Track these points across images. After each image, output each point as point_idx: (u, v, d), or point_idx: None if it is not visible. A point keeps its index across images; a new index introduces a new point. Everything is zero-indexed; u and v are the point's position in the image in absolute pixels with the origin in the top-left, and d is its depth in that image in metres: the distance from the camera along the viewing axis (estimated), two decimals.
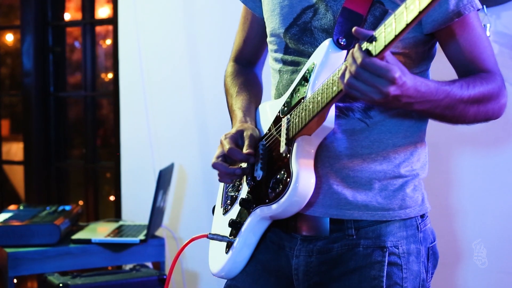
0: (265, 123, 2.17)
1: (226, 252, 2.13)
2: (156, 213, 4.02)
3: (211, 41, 4.47)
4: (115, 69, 4.94)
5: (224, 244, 2.14)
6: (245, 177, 2.16)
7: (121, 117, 4.91)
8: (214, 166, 2.06)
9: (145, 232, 3.99)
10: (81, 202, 5.45)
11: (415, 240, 2.05)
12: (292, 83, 2.08)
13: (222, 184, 2.35)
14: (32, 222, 3.88)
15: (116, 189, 5.00)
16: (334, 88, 1.79)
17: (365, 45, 1.68)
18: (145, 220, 4.12)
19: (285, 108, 2.06)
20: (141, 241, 3.91)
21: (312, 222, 2.05)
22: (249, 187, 2.12)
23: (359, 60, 1.67)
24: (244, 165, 2.10)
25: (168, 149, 4.66)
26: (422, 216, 2.09)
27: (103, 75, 5.61)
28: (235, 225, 2.10)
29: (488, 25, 3.36)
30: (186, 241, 2.15)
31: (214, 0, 4.42)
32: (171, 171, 4.33)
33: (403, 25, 1.57)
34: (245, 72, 2.42)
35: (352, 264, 2.02)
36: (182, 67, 4.61)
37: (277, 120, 2.09)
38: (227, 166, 2.05)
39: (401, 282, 2.01)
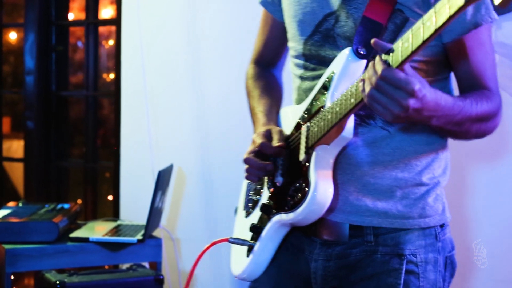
0: (287, 128, 2.18)
1: (247, 256, 2.16)
2: (154, 214, 4.03)
3: (214, 43, 4.48)
4: (117, 69, 4.95)
5: (246, 247, 2.17)
6: (266, 182, 2.18)
7: (121, 118, 4.92)
8: (246, 160, 2.08)
9: (142, 232, 4.00)
10: (79, 201, 5.46)
11: (433, 249, 2.05)
12: (312, 90, 2.08)
13: (244, 186, 2.38)
14: (31, 219, 3.89)
15: (115, 189, 5.01)
16: (352, 100, 1.79)
17: (384, 57, 1.68)
18: (143, 220, 4.13)
19: (306, 115, 2.07)
20: (139, 241, 3.92)
21: (332, 227, 2.06)
22: (270, 193, 2.14)
23: (379, 72, 1.66)
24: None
25: (168, 150, 4.67)
26: (442, 226, 2.09)
27: (105, 75, 5.62)
28: (256, 230, 2.13)
29: None
30: (207, 245, 2.15)
31: (217, 2, 4.44)
32: (170, 172, 4.34)
33: (419, 42, 1.58)
34: (266, 75, 2.44)
35: (370, 271, 2.03)
36: (184, 69, 4.62)
37: (297, 127, 2.10)
38: (259, 160, 2.07)
39: None
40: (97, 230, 4.13)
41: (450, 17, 1.49)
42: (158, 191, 4.00)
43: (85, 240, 3.92)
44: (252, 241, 2.14)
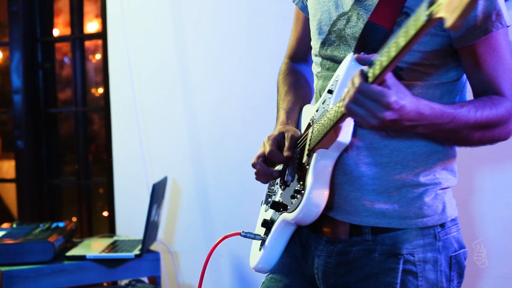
0: (304, 126, 2.22)
1: (259, 249, 2.25)
2: (151, 228, 4.00)
3: (202, 53, 4.45)
4: (106, 83, 4.92)
5: (259, 241, 2.26)
6: (279, 179, 2.25)
7: (112, 132, 4.89)
8: (254, 165, 2.15)
9: (140, 247, 3.97)
10: (74, 219, 5.43)
11: (432, 249, 2.05)
12: (324, 90, 2.10)
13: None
14: (26, 240, 3.86)
15: (110, 205, 4.98)
16: (342, 109, 1.79)
17: (366, 70, 1.71)
18: (139, 235, 4.11)
19: (315, 117, 2.10)
20: (136, 256, 3.89)
21: (335, 225, 2.11)
22: (281, 190, 2.22)
23: (356, 85, 1.70)
24: (280, 167, 2.21)
25: (161, 163, 4.64)
26: (442, 225, 2.08)
27: (93, 90, 5.59)
28: (267, 225, 2.23)
29: None
30: (220, 238, 2.24)
31: (204, 13, 4.41)
32: (164, 185, 4.31)
33: (393, 54, 1.58)
34: (297, 71, 2.49)
35: (367, 270, 2.06)
36: (173, 80, 4.59)
37: (308, 127, 2.13)
38: (266, 166, 2.14)
39: None
40: (93, 247, 4.10)
41: (413, 37, 1.50)
42: (154, 204, 3.98)
43: (82, 258, 3.88)
44: (264, 236, 2.23)
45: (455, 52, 2.00)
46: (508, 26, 1.95)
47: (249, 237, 2.25)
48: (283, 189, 2.20)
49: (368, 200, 2.05)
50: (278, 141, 2.14)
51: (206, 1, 4.42)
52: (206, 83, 4.43)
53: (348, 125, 1.93)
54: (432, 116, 1.80)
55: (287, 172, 2.17)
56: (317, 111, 2.10)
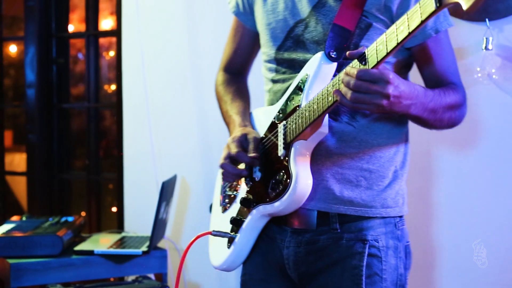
0: (260, 128, 2.36)
1: (228, 247, 2.32)
2: (159, 225, 4.02)
3: (215, 52, 4.46)
4: (118, 80, 4.95)
5: (226, 239, 2.33)
6: (243, 178, 2.35)
7: (124, 129, 4.91)
8: (223, 166, 2.26)
9: (147, 243, 3.99)
10: (83, 213, 5.44)
11: (393, 236, 2.24)
12: (285, 92, 2.26)
13: (218, 185, 2.55)
14: (35, 233, 3.88)
15: (119, 201, 5.00)
16: (330, 98, 1.97)
17: (356, 63, 1.89)
18: (147, 232, 4.12)
19: (280, 115, 2.24)
20: (144, 252, 3.91)
21: (301, 216, 2.24)
22: (248, 187, 2.30)
23: (354, 74, 1.86)
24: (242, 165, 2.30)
25: (171, 161, 4.66)
26: (400, 217, 2.28)
27: (106, 87, 5.61)
28: (237, 222, 2.30)
29: (490, 38, 3.37)
30: (193, 238, 2.30)
31: (217, 11, 4.42)
32: (174, 183, 4.33)
33: (394, 44, 1.78)
34: (236, 81, 2.62)
35: (335, 256, 2.22)
36: (185, 79, 4.61)
37: (273, 126, 2.27)
38: (235, 167, 2.25)
39: (380, 273, 2.20)
40: (101, 242, 4.12)
41: (422, 22, 1.70)
42: (162, 202, 3.99)
43: (90, 253, 3.90)
44: (233, 233, 2.31)
45: (405, 53, 2.22)
46: (453, 25, 2.20)
47: (220, 235, 2.32)
48: (250, 186, 2.29)
49: (338, 189, 2.20)
50: (241, 142, 2.26)
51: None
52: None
53: (326, 117, 2.09)
54: (420, 95, 2.00)
55: (254, 169, 2.28)
56: (281, 110, 2.24)
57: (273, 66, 2.34)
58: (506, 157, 3.50)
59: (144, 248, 3.94)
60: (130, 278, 4.18)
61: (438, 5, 1.64)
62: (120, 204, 4.96)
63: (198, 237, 2.30)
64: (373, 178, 2.22)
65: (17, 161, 5.94)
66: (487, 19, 3.40)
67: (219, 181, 2.58)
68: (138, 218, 4.82)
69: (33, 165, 5.42)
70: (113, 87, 5.40)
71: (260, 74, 2.50)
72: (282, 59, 2.30)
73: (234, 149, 2.24)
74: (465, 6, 1.55)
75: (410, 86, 1.96)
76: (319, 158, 2.20)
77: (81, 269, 3.86)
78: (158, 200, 3.96)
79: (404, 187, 2.30)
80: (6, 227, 4.07)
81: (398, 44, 1.77)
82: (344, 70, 1.92)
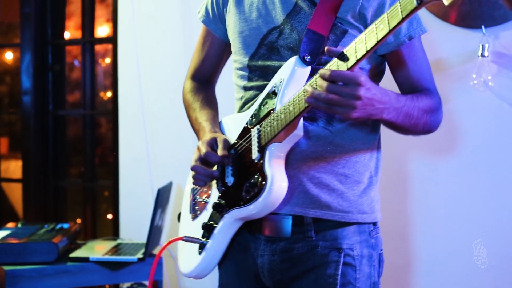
0: (231, 134, 2.34)
1: (200, 253, 2.28)
2: (154, 232, 4.01)
3: None
4: (114, 87, 4.94)
5: (197, 246, 2.30)
6: (215, 184, 2.34)
7: (119, 136, 4.91)
8: (193, 168, 2.28)
9: (143, 250, 3.98)
10: (79, 220, 5.44)
11: (367, 245, 2.25)
12: (257, 97, 2.26)
13: (187, 193, 2.54)
14: (30, 240, 3.87)
15: (114, 207, 4.99)
16: (308, 100, 1.95)
17: (335, 62, 1.91)
18: (143, 239, 4.12)
19: (254, 120, 2.23)
20: (139, 259, 3.90)
21: (276, 224, 2.23)
22: (220, 192, 2.28)
23: (327, 76, 1.88)
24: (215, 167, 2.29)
25: (167, 168, 4.66)
26: (374, 224, 2.28)
27: (102, 94, 5.61)
28: (208, 228, 2.27)
29: (486, 45, 3.38)
30: (164, 244, 2.27)
31: None
32: (169, 190, 4.33)
33: (374, 42, 1.80)
34: (204, 89, 2.62)
35: (310, 264, 2.21)
36: (181, 86, 4.60)
37: (245, 131, 2.26)
38: (206, 168, 2.25)
39: (354, 282, 2.20)
40: (97, 249, 4.11)
41: (403, 19, 1.71)
42: (158, 209, 3.99)
43: (85, 260, 3.90)
44: (204, 239, 2.27)
45: (378, 60, 2.23)
46: (427, 31, 2.20)
47: (191, 241, 2.29)
48: (222, 191, 2.27)
49: (315, 193, 2.19)
50: (211, 144, 2.25)
51: None
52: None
53: (301, 120, 2.09)
54: (393, 99, 2.00)
55: (226, 174, 2.27)
56: (254, 114, 2.23)
57: (245, 73, 2.34)
58: (503, 163, 3.50)
59: (139, 255, 3.93)
60: (126, 285, 4.17)
61: (419, 2, 1.65)
62: (116, 211, 4.96)
63: (169, 242, 2.28)
64: (349, 183, 2.22)
65: (13, 168, 5.93)
66: (483, 26, 3.41)
67: (188, 189, 2.56)
68: (133, 225, 4.81)
69: (28, 172, 5.41)
70: (109, 94, 5.40)
71: (228, 82, 2.49)
72: (255, 66, 2.30)
73: (203, 150, 2.24)
74: (446, 2, 1.56)
75: (382, 91, 1.96)
76: (295, 163, 2.20)
77: (76, 276, 3.85)
78: (153, 207, 3.95)
79: (378, 194, 2.31)
80: (2, 234, 4.06)
81: (378, 42, 1.79)
82: (318, 72, 1.93)
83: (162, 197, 4.05)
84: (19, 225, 4.34)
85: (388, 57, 2.23)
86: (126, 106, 4.88)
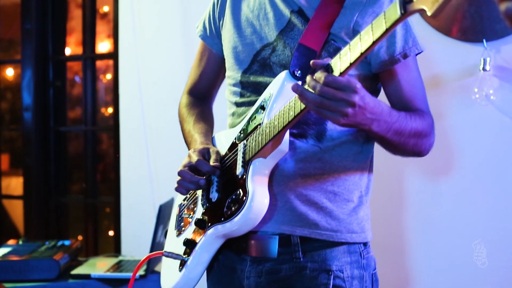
0: (223, 149, 2.30)
1: (180, 270, 2.22)
2: (156, 248, 3.99)
3: None
4: (116, 103, 4.94)
5: (178, 262, 2.24)
6: (200, 200, 2.29)
7: (121, 152, 4.90)
8: (180, 173, 2.20)
9: (144, 267, 3.97)
10: (80, 237, 5.43)
11: (358, 266, 2.18)
12: (248, 112, 2.23)
13: (175, 210, 2.49)
14: (31, 257, 3.86)
15: (116, 224, 4.98)
16: (291, 113, 1.93)
17: (328, 67, 1.84)
18: (144, 255, 4.09)
19: (241, 135, 2.20)
20: (141, 276, 3.88)
21: (262, 244, 2.18)
22: (204, 209, 2.23)
23: (322, 79, 1.80)
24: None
25: (168, 184, 4.62)
26: (365, 244, 2.22)
27: (103, 110, 5.61)
28: (190, 244, 2.21)
29: (488, 59, 3.38)
30: (143, 258, 2.25)
31: None
32: (171, 206, 4.31)
33: (357, 54, 1.73)
34: (200, 104, 2.59)
35: (299, 286, 2.15)
36: None
37: (232, 146, 2.23)
38: (193, 174, 2.19)
39: None
40: (98, 266, 4.09)
41: (387, 30, 1.66)
42: (160, 225, 3.97)
43: (87, 277, 3.87)
44: (185, 256, 2.21)
45: (372, 78, 2.18)
46: (423, 51, 2.15)
47: (171, 257, 2.24)
48: (206, 207, 2.22)
49: (303, 211, 2.14)
50: (203, 154, 2.22)
51: None
52: (215, 106, 4.46)
53: (287, 135, 2.05)
54: (385, 112, 1.94)
55: (211, 190, 2.22)
56: (242, 130, 2.20)
57: (237, 89, 2.31)
58: (505, 177, 3.50)
59: (141, 272, 3.92)
60: None
61: (402, 12, 1.61)
62: (117, 227, 4.95)
63: (148, 257, 2.26)
64: (338, 201, 2.16)
65: (14, 184, 5.92)
66: (484, 40, 3.41)
67: (176, 205, 2.52)
68: (135, 241, 4.80)
69: (30, 188, 5.40)
70: (110, 110, 5.39)
71: (223, 99, 2.47)
72: (247, 82, 2.27)
73: (195, 158, 2.19)
74: (429, 12, 1.53)
75: (376, 102, 1.90)
76: (282, 179, 2.15)
77: None
78: (155, 223, 3.94)
79: (368, 213, 2.25)
80: (3, 251, 4.05)
81: (361, 54, 1.72)
82: (308, 76, 1.87)
83: (164, 214, 4.03)
84: (20, 242, 4.32)
85: (381, 76, 2.19)
86: (127, 122, 4.88)
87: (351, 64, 1.76)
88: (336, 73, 1.80)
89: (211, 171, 2.17)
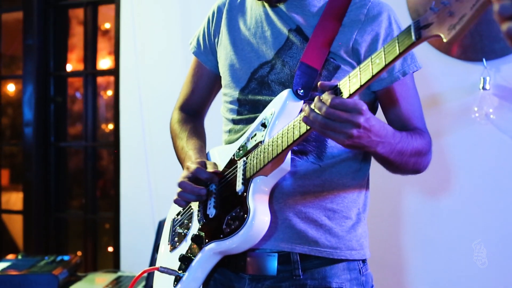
0: (221, 164, 2.28)
1: (175, 286, 2.20)
2: (156, 265, 3.99)
3: None
4: (116, 120, 4.95)
5: (172, 278, 2.22)
6: (196, 215, 2.28)
7: (121, 168, 4.91)
8: (181, 184, 2.18)
9: (143, 283, 3.96)
10: (79, 253, 5.42)
11: (357, 283, 2.18)
12: (247, 129, 2.23)
13: (168, 224, 2.49)
14: (30, 272, 3.86)
15: (115, 240, 4.98)
16: (296, 132, 1.92)
17: (336, 89, 1.83)
18: None
19: (241, 152, 2.19)
20: None
21: (260, 262, 2.16)
22: (200, 224, 2.22)
23: (328, 102, 1.79)
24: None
25: (168, 200, 4.61)
26: (364, 261, 2.22)
27: (103, 126, 5.62)
28: (185, 260, 2.19)
29: (487, 78, 3.39)
30: (139, 273, 2.22)
31: None
32: None
33: (368, 76, 1.72)
34: (192, 120, 2.59)
35: None
36: None
37: (231, 163, 2.21)
38: (193, 185, 2.17)
39: None
40: (97, 282, 4.09)
41: (400, 54, 1.64)
42: (159, 241, 3.97)
43: None
44: (180, 272, 2.19)
45: (370, 96, 2.19)
46: (421, 68, 2.16)
47: (167, 273, 2.22)
48: (203, 223, 2.21)
49: (302, 228, 2.14)
50: (201, 164, 2.21)
51: None
52: (215, 124, 4.47)
53: (288, 154, 2.05)
54: (389, 134, 1.94)
55: (208, 206, 2.21)
56: (241, 146, 2.19)
57: (235, 107, 2.31)
58: (504, 196, 3.50)
59: None
60: None
61: (417, 37, 1.58)
62: (117, 243, 4.94)
63: (144, 272, 2.22)
64: (336, 218, 2.16)
65: (14, 199, 5.92)
66: (484, 59, 3.42)
67: (168, 220, 2.52)
68: (134, 257, 4.80)
69: (30, 203, 5.40)
70: (111, 126, 5.40)
71: (217, 114, 2.47)
72: (245, 100, 2.27)
73: (193, 166, 2.18)
74: (445, 39, 1.51)
75: (381, 124, 1.89)
76: (281, 197, 2.15)
77: None
78: (154, 239, 3.94)
79: (366, 230, 2.25)
80: (2, 265, 4.05)
81: (372, 77, 1.71)
82: (317, 96, 1.85)
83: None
84: (20, 257, 4.32)
85: (379, 94, 2.19)
86: (128, 138, 4.89)
87: (361, 86, 1.75)
88: (345, 94, 1.79)
89: (210, 178, 2.18)
